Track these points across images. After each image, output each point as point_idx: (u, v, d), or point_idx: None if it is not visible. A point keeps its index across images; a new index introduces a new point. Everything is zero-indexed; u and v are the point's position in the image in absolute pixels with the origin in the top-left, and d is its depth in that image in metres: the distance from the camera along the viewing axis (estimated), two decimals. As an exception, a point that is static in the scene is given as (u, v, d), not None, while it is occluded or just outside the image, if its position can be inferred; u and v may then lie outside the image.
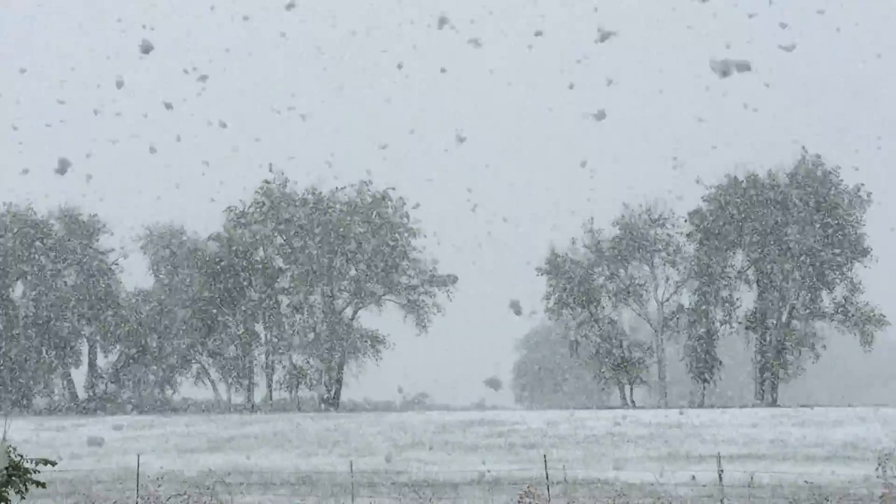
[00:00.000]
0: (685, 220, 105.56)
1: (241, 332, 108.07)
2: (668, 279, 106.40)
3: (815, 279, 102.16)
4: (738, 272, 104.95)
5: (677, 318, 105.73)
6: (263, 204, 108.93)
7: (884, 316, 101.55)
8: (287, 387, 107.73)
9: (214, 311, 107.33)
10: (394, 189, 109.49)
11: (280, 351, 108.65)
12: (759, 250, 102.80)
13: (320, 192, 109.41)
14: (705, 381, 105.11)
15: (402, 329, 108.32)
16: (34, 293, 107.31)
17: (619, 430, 65.78)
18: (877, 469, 36.95)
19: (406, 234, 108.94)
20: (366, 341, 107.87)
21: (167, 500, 38.13)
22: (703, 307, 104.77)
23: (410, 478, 46.72)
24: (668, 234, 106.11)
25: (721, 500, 38.91)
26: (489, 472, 45.53)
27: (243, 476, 47.87)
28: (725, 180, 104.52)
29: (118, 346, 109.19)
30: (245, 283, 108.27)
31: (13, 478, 18.91)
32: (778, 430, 63.17)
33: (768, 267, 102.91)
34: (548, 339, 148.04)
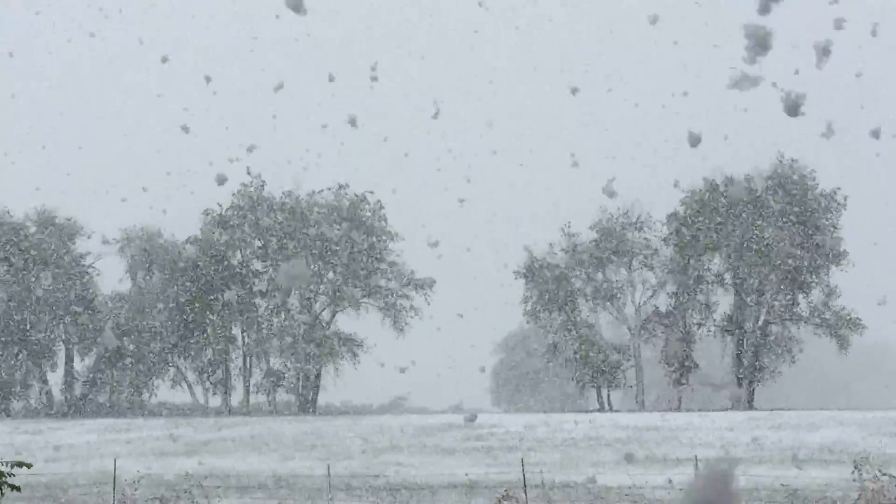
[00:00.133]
0: (663, 224, 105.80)
1: (218, 336, 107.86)
2: (645, 283, 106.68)
3: (791, 283, 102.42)
4: (715, 276, 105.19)
5: (654, 322, 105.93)
6: (241, 207, 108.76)
7: (860, 320, 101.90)
8: (264, 390, 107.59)
9: (191, 314, 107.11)
10: (371, 192, 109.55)
11: (257, 354, 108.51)
12: (737, 254, 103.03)
13: (298, 196, 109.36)
14: (682, 384, 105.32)
15: (379, 332, 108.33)
16: (10, 296, 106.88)
17: (596, 434, 65.86)
18: (853, 472, 37.08)
19: (384, 237, 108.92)
20: (343, 345, 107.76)
21: (144, 503, 38.06)
22: (681, 310, 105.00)
23: (388, 481, 46.73)
24: (646, 238, 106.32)
25: (698, 504, 38.93)
26: (467, 475, 45.54)
27: (220, 479, 47.79)
28: (703, 184, 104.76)
29: (95, 350, 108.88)
30: (222, 287, 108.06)
31: (-12, 481, 18.82)
32: (754, 434, 63.31)
33: (745, 271, 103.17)
34: (525, 343, 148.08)
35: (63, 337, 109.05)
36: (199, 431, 74.62)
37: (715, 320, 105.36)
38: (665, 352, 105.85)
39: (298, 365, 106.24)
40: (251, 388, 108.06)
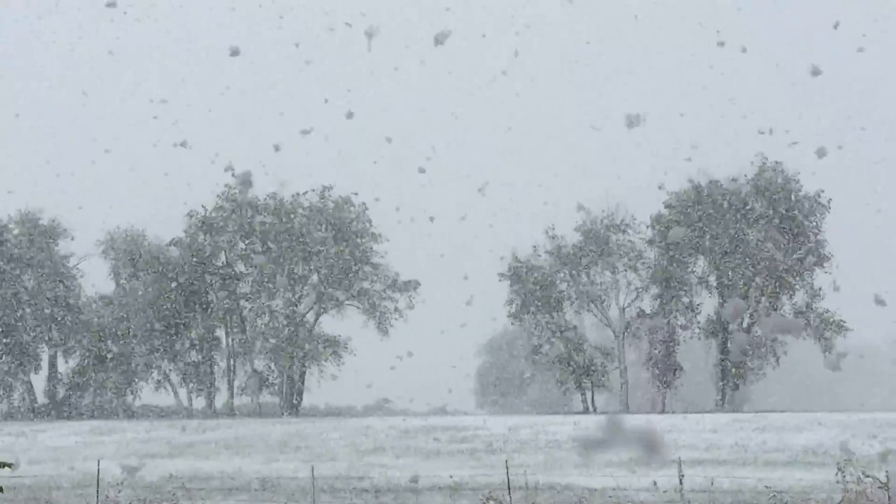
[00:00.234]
0: (647, 227, 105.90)
1: (202, 338, 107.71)
2: (629, 285, 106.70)
3: (775, 285, 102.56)
4: (699, 278, 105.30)
5: (638, 323, 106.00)
6: (225, 209, 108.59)
7: (843, 322, 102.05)
8: (248, 392, 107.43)
9: (175, 316, 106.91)
10: (356, 194, 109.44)
11: (242, 356, 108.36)
12: (721, 256, 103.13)
13: (282, 198, 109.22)
14: (666, 386, 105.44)
15: (363, 334, 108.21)
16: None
17: (580, 436, 65.85)
18: (836, 474, 37.18)
19: (368, 239, 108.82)
20: (327, 346, 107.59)
21: (127, 505, 38.00)
22: (665, 313, 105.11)
23: (372, 483, 46.71)
24: (630, 241, 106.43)
25: (682, 505, 39.06)
26: (451, 477, 45.53)
27: (204, 481, 47.72)
28: (688, 185, 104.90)
29: (78, 352, 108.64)
30: (206, 288, 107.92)
31: (-28, 483, 18.77)
32: (738, 436, 63.40)
33: (729, 273, 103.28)
34: (510, 345, 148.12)
35: (47, 338, 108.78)
36: (182, 433, 74.51)
37: (699, 322, 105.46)
38: (649, 354, 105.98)
39: (283, 365, 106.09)
40: (235, 390, 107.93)
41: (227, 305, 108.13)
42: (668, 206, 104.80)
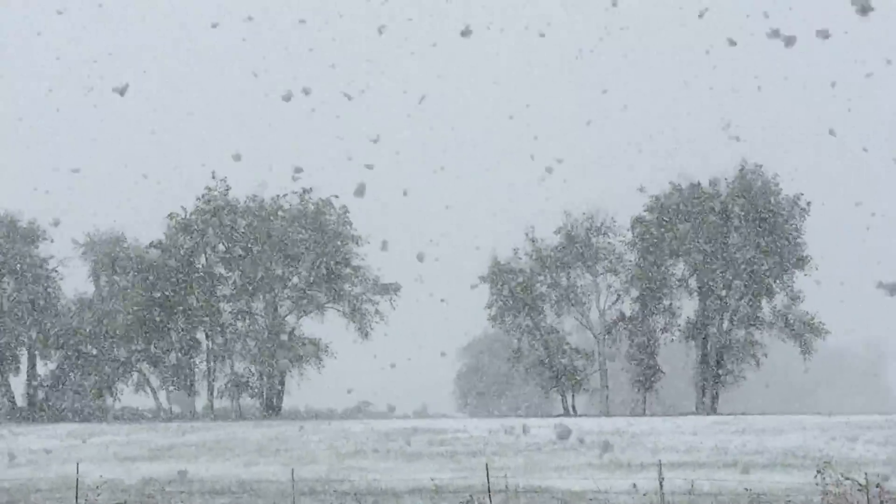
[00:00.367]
0: (628, 230, 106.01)
1: (182, 340, 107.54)
2: (609, 287, 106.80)
3: (755, 288, 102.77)
4: (679, 281, 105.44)
5: (618, 326, 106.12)
6: (205, 211, 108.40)
7: (823, 324, 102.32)
8: (229, 395, 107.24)
9: (155, 318, 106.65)
10: (337, 197, 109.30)
11: (222, 358, 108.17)
12: (701, 259, 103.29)
13: (262, 200, 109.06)
14: (647, 389, 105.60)
15: (344, 336, 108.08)
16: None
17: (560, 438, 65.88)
18: (816, 476, 37.29)
19: (349, 242, 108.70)
20: (308, 349, 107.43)
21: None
22: (645, 315, 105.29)
23: (353, 486, 46.65)
24: (610, 243, 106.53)
25: (662, 508, 39.09)
26: (432, 480, 45.51)
27: (184, 485, 47.62)
28: (669, 188, 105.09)
29: (58, 354, 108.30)
30: (186, 291, 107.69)
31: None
32: (718, 438, 63.50)
33: (709, 276, 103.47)
34: (490, 347, 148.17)
35: (26, 341, 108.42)
36: (162, 436, 74.36)
37: (679, 325, 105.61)
38: (629, 356, 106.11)
39: (263, 368, 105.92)
40: (215, 393, 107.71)
41: (207, 308, 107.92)
42: (648, 208, 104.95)
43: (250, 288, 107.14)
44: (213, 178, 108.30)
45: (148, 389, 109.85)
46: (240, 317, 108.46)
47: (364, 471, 51.78)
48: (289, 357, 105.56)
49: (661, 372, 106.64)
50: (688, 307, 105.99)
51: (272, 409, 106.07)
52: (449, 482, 45.89)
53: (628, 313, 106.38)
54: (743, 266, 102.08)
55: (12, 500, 43.71)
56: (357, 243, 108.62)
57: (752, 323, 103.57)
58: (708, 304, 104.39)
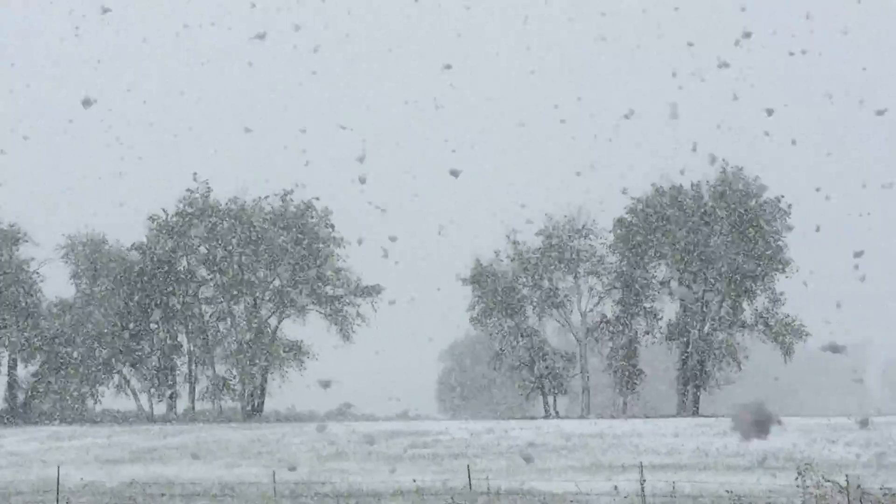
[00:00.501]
0: (610, 232, 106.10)
1: (163, 342, 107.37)
2: (591, 289, 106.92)
3: (736, 290, 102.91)
4: (661, 283, 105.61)
5: (600, 328, 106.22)
6: (186, 213, 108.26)
7: (804, 327, 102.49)
8: (210, 397, 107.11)
9: (136, 320, 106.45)
10: (318, 199, 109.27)
11: (203, 361, 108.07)
12: (682, 261, 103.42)
13: (243, 202, 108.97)
14: (628, 391, 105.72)
15: (326, 338, 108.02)
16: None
17: (541, 441, 65.97)
18: (796, 478, 37.38)
19: (330, 244, 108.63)
20: (289, 351, 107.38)
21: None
22: (627, 317, 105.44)
23: (334, 489, 46.62)
24: (591, 245, 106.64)
25: (643, 510, 39.15)
26: (414, 482, 45.52)
27: (165, 487, 47.55)
28: (651, 190, 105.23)
29: (38, 356, 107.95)
30: (167, 293, 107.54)
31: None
32: (700, 440, 63.63)
33: (690, 278, 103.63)
34: (472, 350, 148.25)
35: (6, 343, 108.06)
36: (143, 439, 74.22)
37: (660, 327, 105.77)
38: (611, 358, 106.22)
39: (245, 370, 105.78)
40: (197, 395, 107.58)
41: (188, 310, 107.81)
42: (630, 211, 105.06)
43: (231, 290, 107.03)
44: (195, 180, 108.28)
45: (129, 392, 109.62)
46: (221, 319, 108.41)
47: (345, 473, 51.76)
48: (269, 359, 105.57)
49: (643, 374, 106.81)
50: (669, 309, 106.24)
51: (253, 411, 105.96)
52: (431, 484, 45.91)
53: (610, 315, 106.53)
54: (724, 268, 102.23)
55: (-7, 502, 43.59)
56: (338, 245, 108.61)
57: (733, 325, 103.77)
58: (689, 307, 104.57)
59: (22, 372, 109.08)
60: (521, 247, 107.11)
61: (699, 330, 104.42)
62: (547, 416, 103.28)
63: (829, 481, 36.30)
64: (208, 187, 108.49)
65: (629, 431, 70.65)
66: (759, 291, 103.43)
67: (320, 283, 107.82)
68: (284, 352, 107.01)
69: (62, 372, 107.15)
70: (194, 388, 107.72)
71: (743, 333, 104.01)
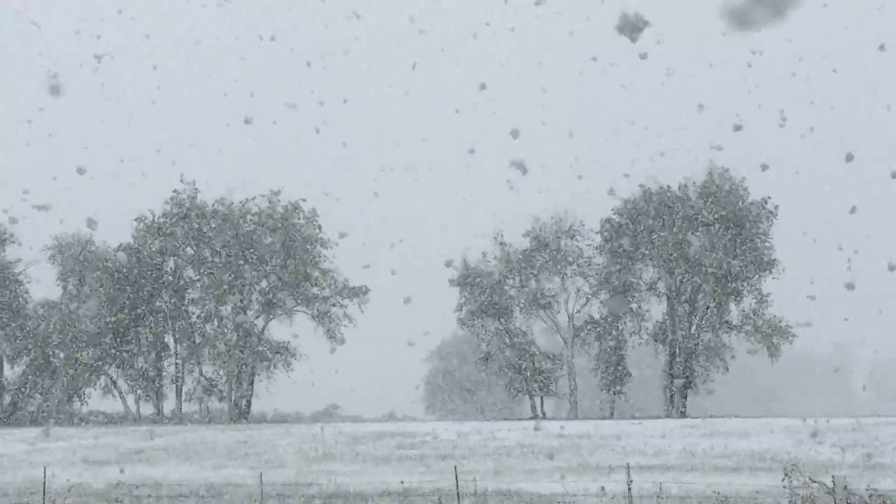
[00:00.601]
0: (596, 233, 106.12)
1: (150, 344, 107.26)
2: (578, 290, 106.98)
3: (723, 291, 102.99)
4: (648, 284, 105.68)
5: (587, 330, 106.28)
6: (173, 214, 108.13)
7: (790, 328, 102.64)
8: (197, 398, 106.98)
9: (123, 321, 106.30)
10: (304, 200, 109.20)
11: (190, 362, 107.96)
12: (669, 262, 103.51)
13: (230, 203, 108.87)
14: (615, 392, 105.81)
15: (313, 340, 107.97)
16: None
17: (529, 442, 65.98)
18: (783, 479, 37.43)
19: (317, 245, 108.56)
20: (277, 352, 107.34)
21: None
22: (614, 318, 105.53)
23: (321, 490, 46.56)
24: (578, 247, 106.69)
25: (630, 511, 39.16)
26: (402, 483, 45.49)
27: (152, 488, 47.47)
28: (639, 191, 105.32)
29: (25, 358, 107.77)
30: (155, 294, 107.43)
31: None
32: (686, 441, 63.67)
33: (678, 279, 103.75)
34: (459, 351, 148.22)
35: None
36: (130, 440, 74.11)
37: (648, 328, 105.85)
38: (598, 359, 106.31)
39: (232, 372, 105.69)
40: (184, 397, 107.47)
41: (175, 311, 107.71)
42: (617, 212, 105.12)
43: (219, 291, 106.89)
44: (182, 181, 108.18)
45: (116, 393, 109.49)
46: (208, 320, 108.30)
47: (332, 474, 51.69)
48: (257, 361, 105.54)
49: (630, 375, 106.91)
50: (656, 310, 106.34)
51: (241, 412, 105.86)
52: (418, 485, 45.88)
53: (597, 316, 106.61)
54: (711, 269, 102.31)
55: (-21, 504, 43.48)
56: (326, 247, 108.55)
57: (720, 326, 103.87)
58: (676, 308, 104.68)
59: (8, 373, 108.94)
60: (508, 248, 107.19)
61: (686, 331, 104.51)
62: (535, 418, 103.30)
63: (815, 482, 36.34)
64: (195, 188, 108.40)
65: (616, 432, 70.68)
66: (745, 292, 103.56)
67: (307, 284, 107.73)
68: (272, 353, 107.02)
69: (49, 373, 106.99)
70: (181, 389, 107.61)
71: (730, 334, 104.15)
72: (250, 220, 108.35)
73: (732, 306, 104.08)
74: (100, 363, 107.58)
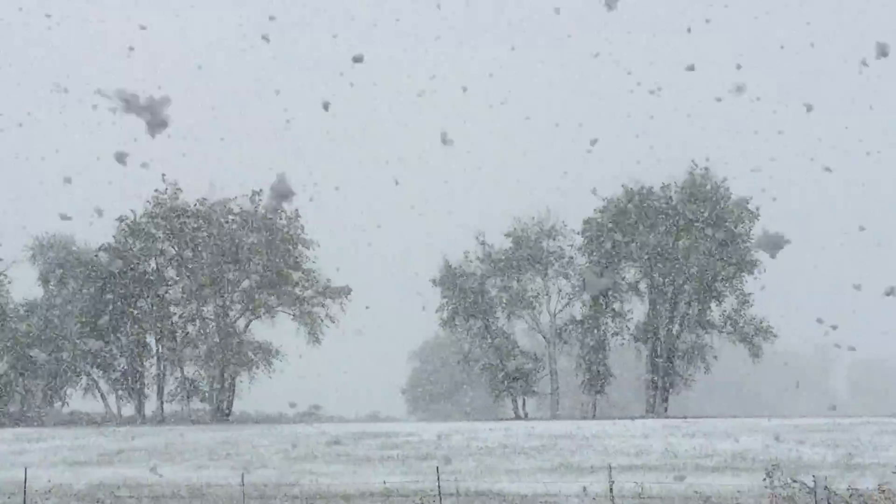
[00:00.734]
0: (577, 233, 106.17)
1: (131, 344, 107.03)
2: (560, 291, 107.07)
3: (704, 291, 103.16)
4: (630, 284, 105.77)
5: (569, 330, 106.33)
6: (155, 214, 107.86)
7: (771, 328, 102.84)
8: (178, 399, 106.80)
9: (104, 322, 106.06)
10: (286, 199, 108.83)
11: (172, 363, 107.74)
12: (651, 262, 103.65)
13: (212, 203, 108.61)
14: (597, 392, 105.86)
15: (294, 340, 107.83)
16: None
17: (511, 442, 65.98)
18: (764, 479, 37.52)
19: (299, 245, 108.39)
20: (258, 353, 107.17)
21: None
22: (595, 319, 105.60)
23: (303, 490, 46.50)
24: (560, 247, 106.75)
25: (612, 511, 39.20)
26: (384, 483, 45.48)
27: (133, 489, 47.36)
28: (621, 191, 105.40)
29: (5, 358, 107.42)
30: (136, 294, 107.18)
31: None
32: (668, 441, 63.73)
33: (659, 279, 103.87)
34: (441, 351, 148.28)
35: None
36: (111, 440, 73.94)
37: (629, 329, 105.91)
38: (580, 359, 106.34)
39: (213, 372, 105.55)
40: (165, 397, 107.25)
41: (156, 311, 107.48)
42: (600, 212, 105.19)
43: (200, 292, 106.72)
44: (163, 181, 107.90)
45: (97, 393, 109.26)
46: (190, 321, 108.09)
47: (314, 475, 51.63)
48: (239, 362, 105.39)
49: (612, 375, 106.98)
50: (638, 311, 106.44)
51: (222, 413, 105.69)
52: (400, 486, 45.87)
53: (579, 317, 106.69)
54: (693, 270, 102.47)
55: (-41, 505, 43.34)
56: (307, 247, 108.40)
57: (701, 326, 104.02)
58: (658, 308, 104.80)
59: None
60: (489, 248, 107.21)
61: (668, 331, 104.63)
62: (516, 418, 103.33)
63: (796, 482, 36.44)
64: (177, 188, 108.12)
65: (598, 432, 70.75)
66: (727, 293, 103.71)
67: (288, 284, 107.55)
68: (253, 353, 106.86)
69: (29, 373, 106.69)
70: (163, 390, 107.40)
71: (711, 335, 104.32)
72: (232, 219, 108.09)
73: (714, 306, 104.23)
74: (80, 363, 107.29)
